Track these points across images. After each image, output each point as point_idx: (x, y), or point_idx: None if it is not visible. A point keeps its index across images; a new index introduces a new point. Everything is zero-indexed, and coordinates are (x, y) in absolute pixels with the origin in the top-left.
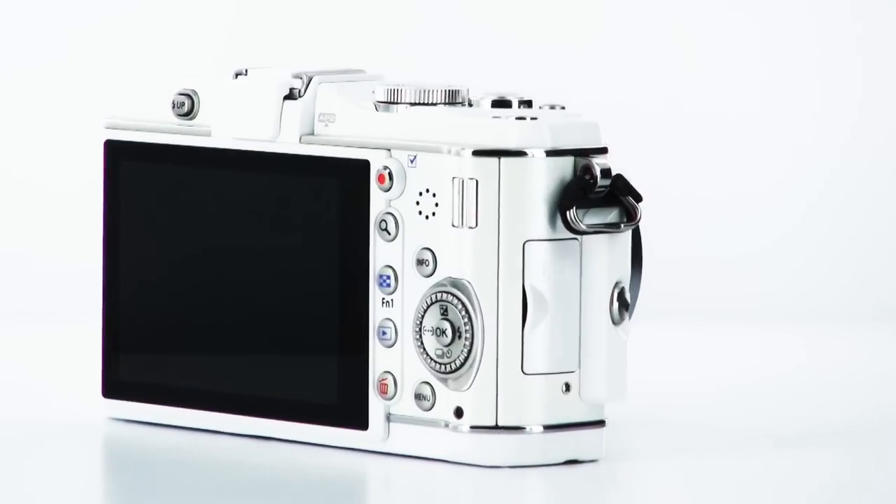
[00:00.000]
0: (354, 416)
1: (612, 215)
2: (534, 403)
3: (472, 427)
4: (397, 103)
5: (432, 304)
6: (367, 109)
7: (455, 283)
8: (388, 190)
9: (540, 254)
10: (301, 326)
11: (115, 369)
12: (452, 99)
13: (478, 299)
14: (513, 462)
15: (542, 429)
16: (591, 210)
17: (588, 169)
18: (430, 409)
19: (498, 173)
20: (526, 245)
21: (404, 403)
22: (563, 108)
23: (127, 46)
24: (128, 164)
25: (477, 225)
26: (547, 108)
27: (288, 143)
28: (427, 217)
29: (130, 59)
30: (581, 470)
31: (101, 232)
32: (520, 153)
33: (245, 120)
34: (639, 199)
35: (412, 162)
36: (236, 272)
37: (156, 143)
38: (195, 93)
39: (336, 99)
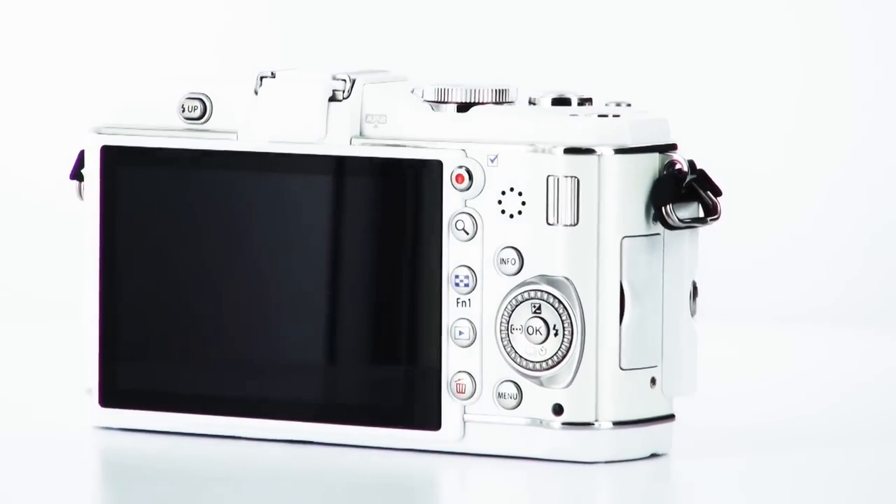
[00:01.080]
0: (425, 417)
1: (692, 210)
2: (630, 398)
3: (572, 424)
4: (446, 102)
5: (522, 302)
6: (425, 110)
7: (550, 281)
8: (465, 189)
9: (635, 249)
10: (362, 330)
11: (113, 378)
12: (502, 98)
13: (578, 296)
14: (610, 457)
15: (636, 424)
16: (677, 205)
17: (673, 164)
18: (516, 407)
19: (598, 171)
20: (623, 241)
21: (483, 403)
22: (630, 104)
23: (109, 51)
24: (129, 170)
25: (578, 222)
26: (613, 104)
27: (337, 145)
28: (512, 216)
29: (113, 63)
30: (657, 464)
31: (97, 238)
32: (618, 150)
33: (286, 122)
34: (718, 193)
35: (493, 161)
36: (275, 276)
37: (165, 148)
38: (207, 97)
39: (386, 100)
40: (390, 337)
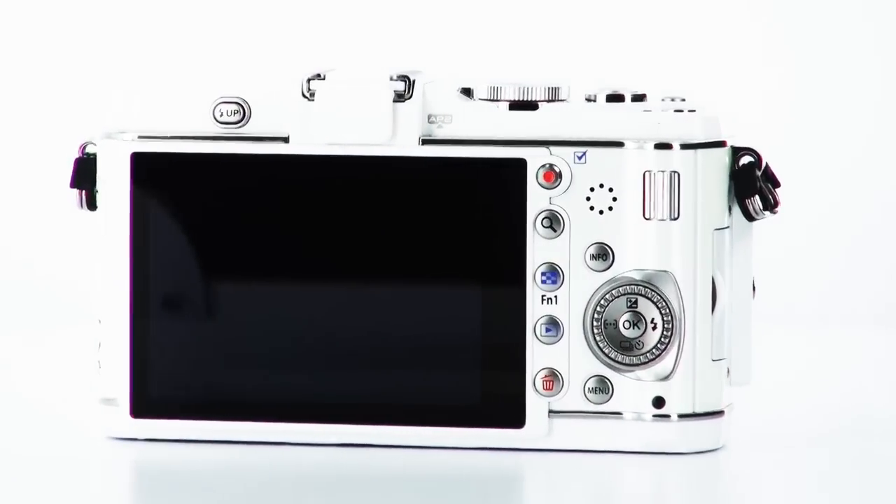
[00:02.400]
0: (508, 414)
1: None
2: (716, 389)
3: (673, 416)
4: (498, 100)
5: (617, 297)
6: (490, 109)
7: (647, 275)
8: (554, 187)
9: (720, 242)
10: (440, 330)
11: (143, 388)
12: (555, 96)
13: (678, 289)
14: (707, 447)
15: (721, 414)
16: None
17: (742, 157)
18: (607, 401)
19: (695, 165)
20: (714, 234)
21: (570, 398)
22: (684, 99)
23: (110, 57)
24: (165, 177)
25: (679, 216)
26: (668, 100)
27: (406, 146)
28: (601, 212)
29: (116, 69)
30: (722, 455)
31: (127, 247)
32: (705, 145)
33: (350, 125)
34: (778, 185)
35: (580, 158)
36: (334, 278)
37: (207, 153)
38: (245, 100)
39: (448, 99)
40: (473, 336)
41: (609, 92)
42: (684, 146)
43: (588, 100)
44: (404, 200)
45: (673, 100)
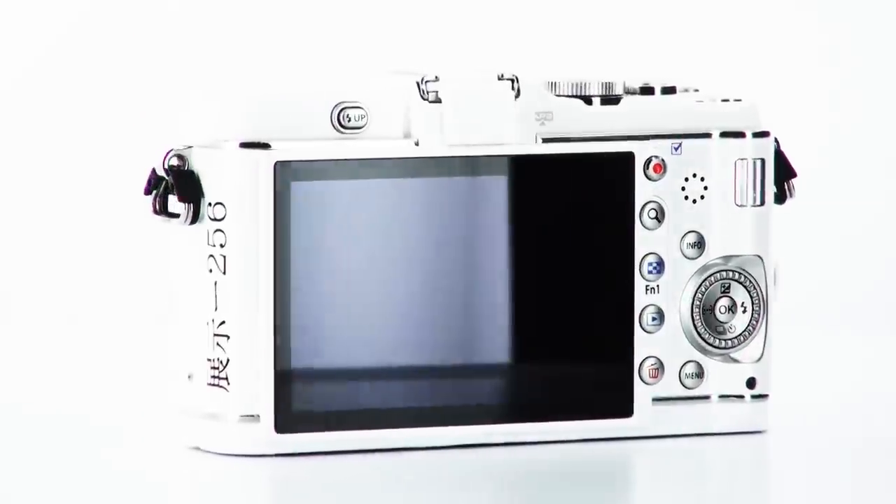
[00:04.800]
0: (617, 405)
1: None
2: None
3: (764, 396)
4: (584, 96)
5: (714, 283)
6: (580, 105)
7: (739, 260)
8: (660, 179)
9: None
10: (551, 325)
11: (287, 402)
12: (610, 90)
13: (765, 273)
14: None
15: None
16: None
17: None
18: (700, 385)
19: (771, 152)
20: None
21: (667, 385)
22: (697, 90)
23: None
24: (304, 184)
25: (764, 202)
26: (692, 90)
27: (525, 145)
28: (694, 201)
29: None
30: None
31: (270, 256)
32: (764, 133)
33: (478, 125)
34: (793, 175)
35: (676, 150)
36: (464, 279)
37: (346, 159)
38: (364, 104)
39: (549, 97)
40: (585, 330)
41: (640, 84)
42: (767, 134)
43: (628, 92)
44: (526, 197)
45: (686, 90)
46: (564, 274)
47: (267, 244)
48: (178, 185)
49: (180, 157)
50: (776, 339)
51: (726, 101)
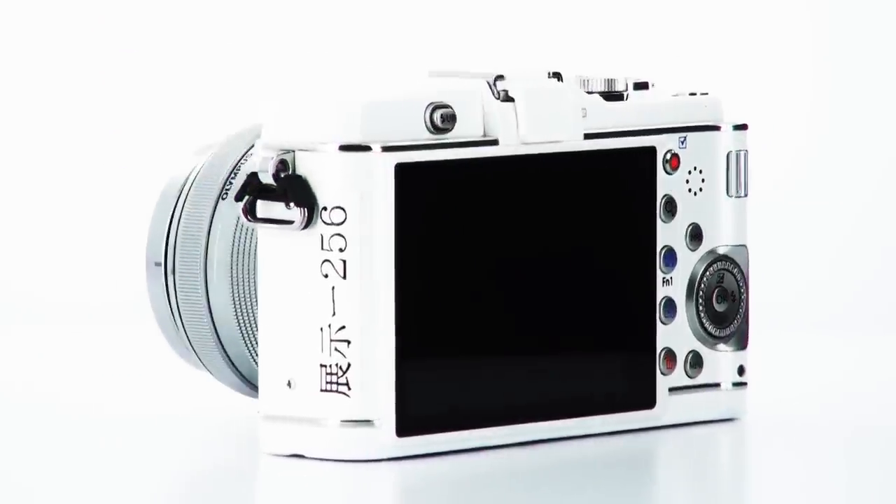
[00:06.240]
0: (643, 396)
1: None
2: None
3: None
4: (591, 93)
5: (713, 274)
6: (601, 101)
7: (729, 250)
8: (674, 172)
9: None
10: (589, 319)
11: (408, 406)
12: (612, 87)
13: (748, 262)
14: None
15: None
16: None
17: None
18: (700, 374)
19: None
20: None
21: (677, 375)
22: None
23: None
24: (424, 187)
25: (748, 192)
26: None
27: (577, 141)
28: (695, 193)
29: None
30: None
31: (392, 260)
32: (744, 126)
33: (549, 124)
34: None
35: (682, 144)
36: (535, 276)
37: (459, 160)
38: (452, 105)
39: (583, 94)
40: (616, 322)
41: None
42: (746, 126)
43: (639, 87)
44: (574, 194)
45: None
46: (596, 268)
47: (388, 247)
48: (292, 191)
49: (283, 162)
50: (765, 334)
51: (693, 94)
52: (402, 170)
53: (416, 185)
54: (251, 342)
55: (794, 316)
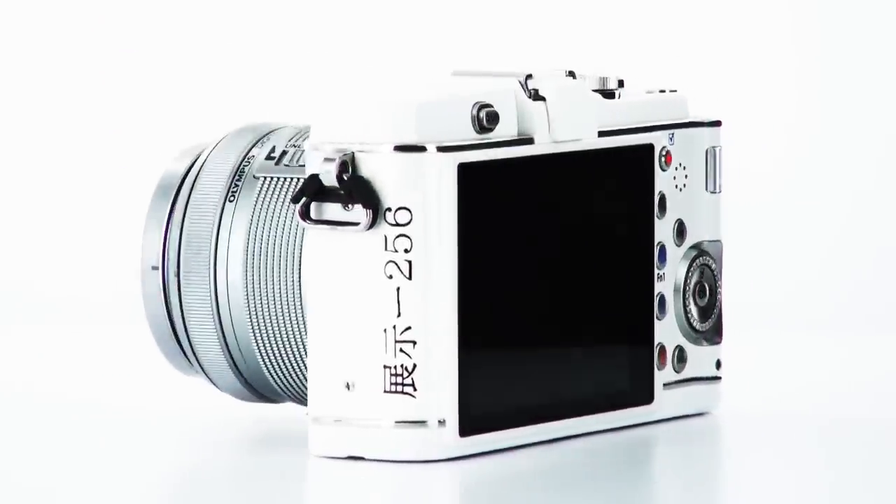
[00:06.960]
0: (644, 392)
1: None
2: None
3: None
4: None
5: (695, 269)
6: (599, 98)
7: (708, 245)
8: (667, 169)
9: None
10: (605, 315)
11: (469, 405)
12: (604, 85)
13: (722, 257)
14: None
15: None
16: None
17: None
18: (685, 368)
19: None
20: None
21: (668, 370)
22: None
23: None
24: (483, 187)
25: (721, 189)
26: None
27: (594, 139)
28: (681, 189)
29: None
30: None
31: (456, 260)
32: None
33: (576, 122)
34: None
35: (671, 140)
36: (566, 273)
37: (512, 158)
38: (494, 105)
39: (589, 93)
40: (617, 319)
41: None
42: (710, 123)
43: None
44: (586, 189)
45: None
46: (608, 264)
47: (452, 248)
48: (358, 192)
49: (345, 163)
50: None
51: (663, 91)
52: (463, 169)
53: (474, 185)
54: (263, 346)
55: (783, 315)
